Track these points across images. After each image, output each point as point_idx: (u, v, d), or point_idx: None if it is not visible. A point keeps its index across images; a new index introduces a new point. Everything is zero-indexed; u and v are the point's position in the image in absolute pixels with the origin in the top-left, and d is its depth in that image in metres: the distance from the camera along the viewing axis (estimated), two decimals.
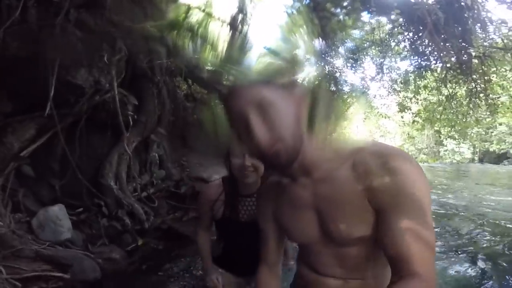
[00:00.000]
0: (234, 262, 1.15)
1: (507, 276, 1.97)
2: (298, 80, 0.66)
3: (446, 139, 13.19)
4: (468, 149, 21.07)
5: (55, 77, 1.49)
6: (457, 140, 14.93)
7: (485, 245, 2.64)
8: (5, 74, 1.56)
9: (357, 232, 0.64)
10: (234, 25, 4.59)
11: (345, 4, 4.74)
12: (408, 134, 13.20)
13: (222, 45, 4.69)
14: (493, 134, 18.59)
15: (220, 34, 4.47)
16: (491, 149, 20.32)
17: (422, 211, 0.56)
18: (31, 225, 1.71)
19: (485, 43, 5.85)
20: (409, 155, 0.63)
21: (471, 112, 7.21)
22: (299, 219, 0.73)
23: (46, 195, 2.08)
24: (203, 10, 3.91)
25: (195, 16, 3.87)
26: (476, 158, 21.49)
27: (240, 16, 4.67)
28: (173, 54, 2.81)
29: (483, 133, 18.20)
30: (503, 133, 17.66)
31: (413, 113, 9.73)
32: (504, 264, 2.14)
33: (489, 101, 6.88)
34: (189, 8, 3.61)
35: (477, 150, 21.27)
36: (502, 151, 19.78)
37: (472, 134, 17.56)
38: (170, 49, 2.72)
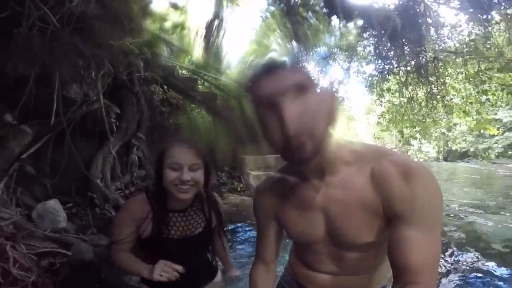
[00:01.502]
0: (168, 283, 1.00)
1: None
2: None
3: (414, 139, 14.14)
4: (433, 148, 22.70)
5: (57, 92, 1.86)
6: (418, 140, 16.02)
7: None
8: (9, 90, 1.92)
9: (363, 238, 0.66)
10: (209, 31, 4.93)
11: (316, 9, 5.23)
12: (374, 135, 14.07)
13: (198, 52, 5.03)
14: (454, 134, 20.08)
15: (195, 40, 4.80)
16: (453, 148, 22.06)
17: (435, 224, 0.58)
18: (31, 217, 2.07)
19: (438, 47, 6.60)
20: (427, 168, 0.63)
21: (430, 113, 7.92)
22: (306, 219, 0.73)
23: (39, 192, 2.42)
24: (178, 21, 4.26)
25: (170, 26, 4.21)
26: (441, 157, 23.13)
27: (215, 22, 5.01)
28: (150, 65, 3.22)
29: (446, 132, 19.58)
30: (463, 132, 19.24)
31: (377, 115, 10.50)
32: None
33: (445, 103, 7.64)
34: (164, 20, 3.98)
35: (441, 149, 22.91)
36: (463, 149, 21.57)
37: (435, 134, 19.03)
38: (147, 61, 3.12)
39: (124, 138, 2.80)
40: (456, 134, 19.82)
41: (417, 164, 0.61)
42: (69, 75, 1.93)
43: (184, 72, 5.11)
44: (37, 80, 1.93)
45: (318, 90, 0.61)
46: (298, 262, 0.86)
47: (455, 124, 14.15)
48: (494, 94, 7.26)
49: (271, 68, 0.60)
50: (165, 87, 4.48)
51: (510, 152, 19.01)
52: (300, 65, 0.63)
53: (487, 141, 19.52)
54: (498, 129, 18.48)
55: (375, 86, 8.43)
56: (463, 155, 21.83)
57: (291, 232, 0.78)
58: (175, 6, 3.92)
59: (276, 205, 0.80)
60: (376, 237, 0.65)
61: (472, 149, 20.82)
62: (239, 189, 4.50)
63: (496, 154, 19.48)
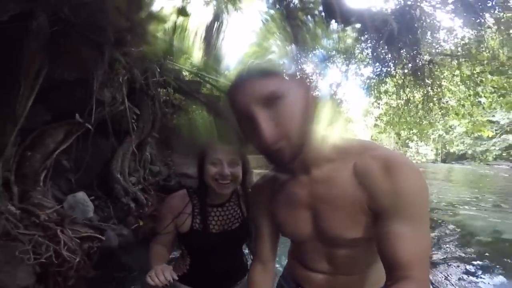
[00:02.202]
0: (203, 278, 1.09)
1: None
2: (304, 75, 0.69)
3: (412, 142, 14.49)
4: (431, 150, 23.17)
5: (94, 95, 2.16)
6: (415, 142, 16.41)
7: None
8: (50, 92, 2.21)
9: (350, 234, 0.66)
10: (209, 34, 5.16)
11: (314, 13, 5.45)
12: (371, 137, 14.43)
13: (198, 54, 5.27)
14: (452, 136, 20.51)
15: (195, 42, 5.03)
16: (451, 150, 22.54)
17: (421, 217, 0.58)
18: (63, 207, 2.35)
19: (434, 50, 6.92)
20: (410, 161, 0.63)
21: (426, 115, 8.22)
22: (294, 216, 0.74)
23: (64, 186, 2.70)
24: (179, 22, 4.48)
25: (171, 27, 4.43)
26: (439, 159, 23.60)
27: (216, 25, 5.24)
28: (162, 70, 3.52)
29: (444, 135, 19.99)
30: (461, 135, 19.69)
31: (375, 117, 10.83)
32: None
33: (441, 105, 7.95)
34: (164, 21, 4.21)
35: (439, 151, 23.36)
36: (461, 152, 22.06)
37: (433, 137, 19.49)
38: (161, 66, 3.43)
39: (141, 137, 3.10)
40: (454, 136, 20.27)
41: (399, 157, 0.62)
42: (103, 80, 2.21)
43: (186, 73, 5.36)
44: (74, 84, 2.23)
45: (291, 93, 0.61)
46: (295, 262, 0.87)
47: (451, 127, 14.58)
48: (489, 97, 7.53)
49: (246, 77, 0.62)
50: (169, 89, 4.76)
51: (504, 154, 19.45)
52: (278, 71, 0.64)
53: (485, 144, 19.97)
54: (495, 131, 19.02)
55: (372, 89, 8.71)
56: (461, 157, 22.29)
57: (282, 230, 0.81)
58: (183, 12, 4.19)
59: (269, 202, 0.82)
60: (364, 233, 0.66)
61: (470, 151, 21.29)
62: None
63: (494, 156, 19.91)
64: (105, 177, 2.85)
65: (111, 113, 2.49)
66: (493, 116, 17.11)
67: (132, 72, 2.87)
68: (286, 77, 0.62)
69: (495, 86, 6.72)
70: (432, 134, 12.86)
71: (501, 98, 6.79)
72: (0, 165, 1.75)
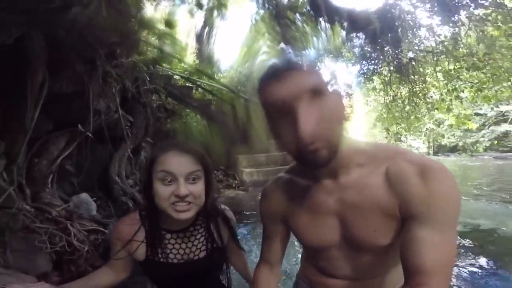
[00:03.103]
0: None
1: None
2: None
3: (401, 136, 14.94)
4: (424, 143, 23.76)
5: (91, 106, 2.47)
6: (404, 136, 16.85)
7: None
8: (49, 103, 2.51)
9: (380, 242, 0.67)
10: (200, 37, 5.42)
11: (302, 11, 5.70)
12: (363, 133, 14.85)
13: (190, 58, 5.52)
14: (442, 129, 21.06)
15: (186, 46, 5.27)
16: (442, 143, 23.14)
17: (451, 226, 0.58)
18: (69, 206, 2.66)
19: (417, 47, 7.30)
20: (444, 166, 0.62)
21: (413, 110, 8.59)
22: (318, 224, 0.74)
23: (68, 189, 3.00)
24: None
25: (161, 31, 4.63)
26: (431, 152, 24.18)
27: (206, 28, 5.49)
28: (153, 78, 3.83)
29: (435, 128, 20.50)
30: (451, 127, 20.27)
31: (364, 114, 11.20)
32: None
33: (427, 100, 8.33)
34: (154, 26, 4.44)
35: (431, 144, 23.93)
36: (452, 144, 22.67)
37: (424, 130, 20.03)
38: (151, 74, 3.74)
39: (135, 142, 3.41)
40: (444, 129, 20.85)
41: (434, 162, 0.62)
42: (98, 92, 2.53)
43: (177, 77, 5.62)
44: (72, 96, 2.54)
45: (330, 91, 0.61)
46: (312, 269, 0.86)
47: (440, 120, 15.13)
48: (471, 91, 7.92)
49: (286, 70, 0.59)
50: (161, 94, 5.04)
51: (494, 145, 20.02)
52: (315, 66, 0.62)
53: (474, 135, 20.58)
54: (483, 123, 19.63)
55: (361, 86, 9.01)
56: (452, 150, 22.91)
57: (303, 237, 0.79)
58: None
59: (284, 208, 0.80)
60: (392, 239, 0.66)
61: (460, 144, 21.90)
62: (234, 185, 5.14)
63: (484, 148, 20.51)
64: (105, 180, 3.16)
65: (106, 121, 2.79)
66: (480, 109, 17.72)
67: (123, 82, 3.18)
68: (321, 74, 0.60)
69: (471, 81, 7.13)
70: (420, 128, 13.31)
71: (479, 92, 7.20)
72: (14, 171, 2.05)
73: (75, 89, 2.46)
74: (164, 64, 4.29)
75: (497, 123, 19.40)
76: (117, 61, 2.79)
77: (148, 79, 3.56)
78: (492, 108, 16.78)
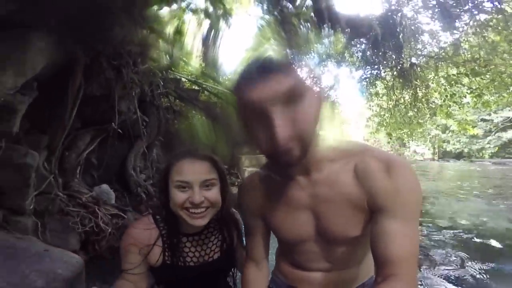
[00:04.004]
0: None
1: None
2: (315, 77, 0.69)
3: (403, 141, 15.19)
4: (429, 149, 23.98)
5: (116, 107, 2.89)
6: (407, 141, 17.07)
7: None
8: (81, 104, 2.92)
9: (351, 232, 0.73)
10: (206, 41, 5.77)
11: (306, 18, 5.99)
12: (364, 137, 15.16)
13: (196, 61, 5.86)
14: (448, 135, 21.25)
15: (192, 49, 5.62)
16: (448, 149, 23.34)
17: (414, 217, 0.64)
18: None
19: (420, 52, 7.55)
20: (407, 162, 0.69)
21: (416, 116, 8.81)
22: (293, 218, 0.78)
23: (89, 180, 3.42)
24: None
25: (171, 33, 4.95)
26: (436, 158, 24.37)
27: (212, 32, 5.83)
28: (165, 82, 4.25)
29: (440, 134, 20.66)
30: (456, 134, 20.51)
31: (366, 118, 11.47)
32: None
33: (430, 105, 8.56)
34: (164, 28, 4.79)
35: (436, 150, 24.13)
36: (457, 150, 22.89)
37: (429, 136, 20.23)
38: (164, 79, 4.16)
39: (149, 140, 3.83)
40: (449, 135, 21.05)
41: (398, 158, 0.68)
42: (120, 95, 2.95)
43: (184, 80, 5.99)
44: (99, 98, 2.97)
45: (306, 92, 0.62)
46: (287, 264, 0.90)
47: (442, 126, 15.35)
48: (472, 96, 8.14)
49: (261, 73, 0.61)
50: (170, 97, 5.45)
51: (490, 151, 20.15)
52: (293, 67, 0.64)
53: (480, 142, 20.77)
54: (490, 129, 19.80)
55: (364, 91, 9.11)
56: (458, 156, 23.12)
57: (279, 232, 0.83)
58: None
59: (261, 203, 0.84)
60: (363, 231, 0.71)
61: (466, 150, 22.09)
62: (237, 183, 5.54)
63: (490, 154, 20.67)
64: (122, 173, 3.58)
65: (126, 121, 3.21)
66: (489, 114, 17.90)
67: (142, 87, 3.61)
68: (302, 75, 0.63)
69: (471, 87, 7.39)
70: (422, 133, 13.58)
71: (479, 98, 7.47)
72: (53, 162, 2.47)
73: (103, 92, 2.89)
74: (173, 68, 4.69)
75: (503, 129, 19.55)
76: (138, 68, 3.21)
77: (162, 83, 3.97)
78: (490, 114, 16.93)
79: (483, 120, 19.00)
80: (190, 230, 0.97)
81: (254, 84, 0.61)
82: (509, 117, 18.13)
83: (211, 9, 5.21)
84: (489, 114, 18.31)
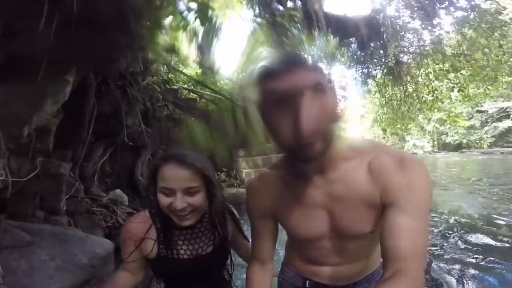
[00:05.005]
0: None
1: None
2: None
3: (397, 135, 15.70)
4: (428, 142, 24.51)
5: (124, 122, 3.45)
6: (404, 135, 17.55)
7: None
8: (94, 121, 3.48)
9: (366, 229, 0.76)
10: (201, 48, 6.19)
11: (296, 19, 6.35)
12: (362, 133, 15.69)
13: (193, 67, 6.26)
14: (446, 127, 21.77)
15: (188, 56, 6.03)
16: (447, 141, 23.89)
17: (425, 213, 0.66)
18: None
19: (406, 50, 7.99)
20: (419, 159, 0.71)
21: (409, 110, 9.25)
22: (309, 218, 0.81)
23: (103, 186, 3.97)
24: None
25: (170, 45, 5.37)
26: (436, 150, 24.90)
27: (207, 38, 6.23)
28: (164, 95, 4.81)
29: (438, 126, 21.15)
30: (454, 126, 21.05)
31: (360, 116, 12.01)
32: None
33: (420, 100, 9.01)
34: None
35: (435, 143, 24.65)
36: (456, 142, 23.43)
37: (428, 129, 20.77)
38: (163, 93, 4.73)
39: (153, 149, 4.39)
40: (447, 127, 21.58)
41: (410, 155, 0.72)
42: (127, 111, 3.51)
43: (180, 83, 6.42)
44: (109, 115, 3.52)
45: (329, 89, 0.66)
46: (299, 259, 0.94)
47: (440, 119, 15.95)
48: (462, 90, 8.59)
49: (290, 65, 0.64)
50: (169, 107, 5.98)
51: (488, 141, 20.65)
52: (318, 63, 0.67)
53: (478, 132, 21.30)
54: (486, 120, 20.37)
55: (357, 89, 9.55)
56: (457, 147, 23.64)
57: (293, 231, 0.86)
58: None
59: (273, 203, 0.86)
60: (375, 227, 0.75)
61: (464, 141, 22.63)
62: (235, 184, 6.11)
63: (488, 144, 21.19)
64: (131, 179, 4.14)
65: (132, 134, 3.77)
66: (482, 106, 18.47)
67: (144, 103, 4.17)
68: (324, 72, 0.66)
69: (456, 82, 7.87)
70: (416, 127, 14.08)
71: (460, 92, 7.97)
72: (76, 171, 3.03)
73: (112, 109, 3.45)
74: (170, 78, 5.21)
75: (499, 119, 20.09)
76: (139, 86, 3.77)
77: (161, 97, 4.53)
78: (482, 106, 17.43)
79: (478, 111, 19.49)
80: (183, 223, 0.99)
81: (285, 74, 0.63)
82: (503, 107, 18.70)
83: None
84: (482, 106, 18.80)
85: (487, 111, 19.81)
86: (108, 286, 1.05)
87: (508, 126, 19.43)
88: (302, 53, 0.80)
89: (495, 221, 4.63)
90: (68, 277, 1.84)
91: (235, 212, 1.17)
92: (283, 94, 0.63)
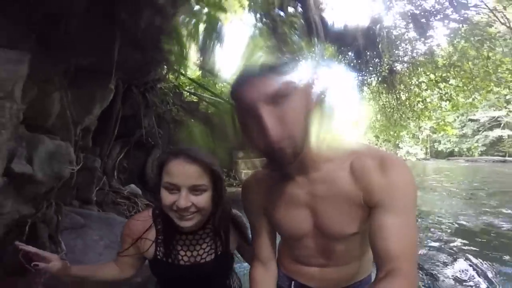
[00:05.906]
0: None
1: None
2: (308, 75, 0.72)
3: (389, 142, 16.32)
4: (421, 150, 25.35)
5: (142, 124, 3.97)
6: (393, 142, 18.13)
7: None
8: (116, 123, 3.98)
9: (348, 229, 0.79)
10: (202, 52, 6.63)
11: (296, 26, 6.27)
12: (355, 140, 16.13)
13: (194, 69, 6.67)
14: (439, 135, 22.59)
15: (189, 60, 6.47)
16: (439, 149, 24.77)
17: (411, 211, 0.68)
18: None
19: (400, 59, 8.53)
20: (401, 158, 0.74)
21: (401, 118, 9.82)
22: (292, 215, 0.85)
23: (118, 181, 4.46)
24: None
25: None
26: (429, 157, 25.74)
27: (208, 43, 6.65)
28: (174, 100, 5.33)
29: (431, 134, 21.95)
30: (447, 134, 21.83)
31: (354, 122, 12.50)
32: None
33: (412, 108, 9.59)
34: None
35: (428, 150, 25.50)
36: (448, 149, 24.32)
37: (421, 136, 21.56)
38: (172, 99, 5.25)
39: (162, 148, 4.90)
40: (440, 135, 22.41)
41: (392, 155, 0.74)
42: (145, 113, 4.04)
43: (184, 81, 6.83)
44: (129, 117, 4.04)
45: (296, 94, 0.67)
46: (287, 258, 0.97)
47: (426, 128, 16.64)
48: (450, 100, 9.18)
49: (252, 74, 0.68)
50: (174, 109, 6.47)
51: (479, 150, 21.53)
52: (282, 70, 0.68)
53: (469, 141, 22.18)
54: (478, 129, 21.25)
55: (352, 96, 10.04)
56: (449, 155, 24.52)
57: (279, 228, 0.91)
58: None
59: (263, 200, 0.91)
60: (360, 228, 0.77)
61: (456, 149, 23.51)
62: (235, 184, 6.64)
63: (479, 152, 22.06)
64: (142, 177, 4.64)
65: (147, 134, 4.29)
66: (474, 115, 19.32)
67: (157, 106, 4.69)
68: (291, 77, 0.67)
69: (441, 92, 8.50)
70: (408, 134, 14.66)
71: (447, 102, 8.61)
72: (101, 167, 3.53)
73: (132, 112, 3.96)
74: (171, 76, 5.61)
75: (490, 128, 20.98)
76: (156, 91, 4.30)
77: (172, 100, 5.06)
78: (475, 114, 18.22)
79: (471, 120, 20.31)
80: (184, 229, 0.96)
81: (244, 87, 0.68)
82: (494, 117, 19.57)
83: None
84: (474, 114, 19.60)
85: (479, 120, 20.67)
86: (91, 267, 1.13)
87: (499, 135, 20.31)
88: (268, 63, 0.76)
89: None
90: (114, 255, 2.33)
91: (242, 222, 1.14)
92: (246, 106, 0.68)
